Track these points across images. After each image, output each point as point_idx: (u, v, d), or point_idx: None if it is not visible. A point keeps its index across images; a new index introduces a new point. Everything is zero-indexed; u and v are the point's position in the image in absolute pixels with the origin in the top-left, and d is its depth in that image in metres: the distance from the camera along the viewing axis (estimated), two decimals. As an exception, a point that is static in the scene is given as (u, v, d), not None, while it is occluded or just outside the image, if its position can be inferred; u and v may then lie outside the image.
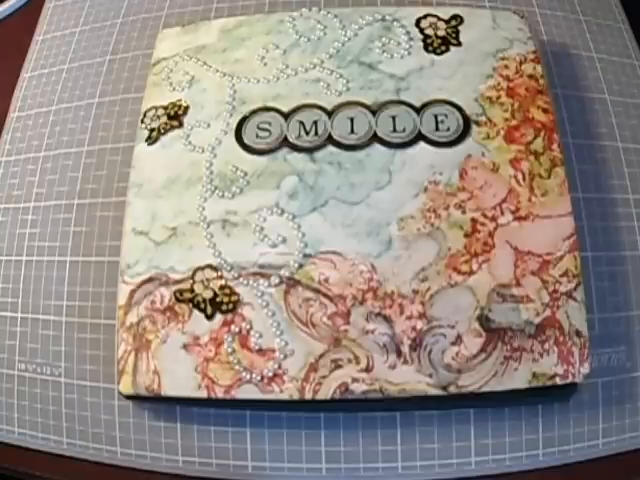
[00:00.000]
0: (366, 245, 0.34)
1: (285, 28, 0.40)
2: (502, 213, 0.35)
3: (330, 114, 0.38)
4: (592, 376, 0.34)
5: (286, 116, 0.38)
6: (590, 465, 0.35)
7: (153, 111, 0.39)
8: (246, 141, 0.37)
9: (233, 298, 0.34)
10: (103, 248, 0.39)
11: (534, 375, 0.32)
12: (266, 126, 0.38)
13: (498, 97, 0.37)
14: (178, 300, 0.34)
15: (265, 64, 0.39)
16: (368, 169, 0.36)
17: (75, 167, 0.42)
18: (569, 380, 0.33)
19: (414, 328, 0.33)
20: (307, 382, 0.33)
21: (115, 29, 0.46)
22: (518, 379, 0.32)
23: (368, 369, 0.33)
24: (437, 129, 0.37)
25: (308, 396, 0.33)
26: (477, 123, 0.37)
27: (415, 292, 0.34)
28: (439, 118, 0.37)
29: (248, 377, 0.33)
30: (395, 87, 0.38)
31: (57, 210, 0.41)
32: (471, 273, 0.34)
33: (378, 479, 0.35)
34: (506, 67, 0.38)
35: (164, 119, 0.39)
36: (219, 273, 0.35)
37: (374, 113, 0.37)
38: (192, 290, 0.34)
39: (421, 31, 0.40)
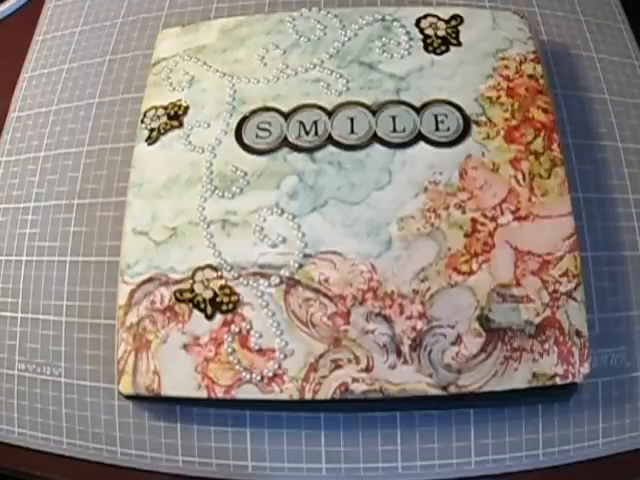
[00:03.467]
0: (366, 245, 0.34)
1: (285, 28, 0.40)
2: (502, 213, 0.35)
3: (330, 114, 0.38)
4: (592, 376, 0.34)
5: (286, 116, 0.38)
6: (590, 465, 0.35)
7: (153, 111, 0.39)
8: (246, 141, 0.37)
9: (233, 298, 0.34)
10: (103, 248, 0.39)
11: (534, 375, 0.32)
12: (266, 126, 0.37)
13: (498, 97, 0.37)
14: (178, 300, 0.34)
15: (265, 64, 0.39)
16: (368, 169, 0.36)
17: (75, 167, 0.42)
18: (569, 380, 0.33)
19: (414, 328, 0.33)
20: (307, 382, 0.33)
21: (115, 29, 0.46)
22: (518, 379, 0.32)
23: (368, 369, 0.33)
24: (437, 129, 0.37)
25: (308, 396, 0.33)
26: (477, 123, 0.37)
27: (415, 292, 0.34)
28: (439, 118, 0.37)
29: (248, 377, 0.33)
30: (395, 87, 0.38)
31: (57, 210, 0.41)
32: (471, 273, 0.34)
33: (378, 479, 0.35)
34: (506, 67, 0.38)
35: (164, 119, 0.39)
36: (219, 273, 0.35)
37: (374, 113, 0.37)
38: (192, 290, 0.34)
39: (421, 31, 0.40)
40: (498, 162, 0.36)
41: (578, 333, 0.33)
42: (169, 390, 0.33)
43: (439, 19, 0.40)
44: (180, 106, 0.39)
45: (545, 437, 0.35)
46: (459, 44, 0.39)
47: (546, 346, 0.33)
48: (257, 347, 0.33)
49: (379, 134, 0.37)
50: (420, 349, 0.33)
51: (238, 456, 0.36)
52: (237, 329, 0.34)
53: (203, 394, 0.33)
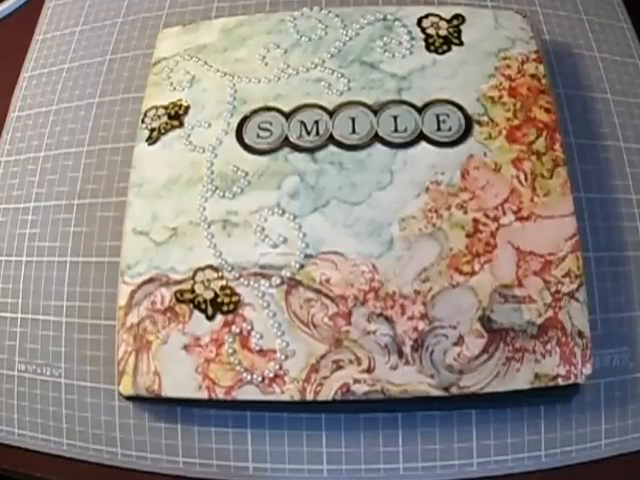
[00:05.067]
0: (367, 245, 0.34)
1: (286, 27, 0.40)
2: (504, 213, 0.35)
3: (331, 114, 0.37)
4: (594, 377, 0.34)
5: (287, 116, 0.38)
6: (593, 466, 0.35)
7: (153, 111, 0.39)
8: (247, 141, 0.37)
9: (234, 299, 0.34)
10: (103, 248, 0.39)
11: (536, 376, 0.32)
12: (267, 126, 0.37)
13: (500, 97, 0.37)
14: (179, 301, 0.34)
15: (266, 64, 0.39)
16: (369, 169, 0.36)
17: (75, 167, 0.42)
18: (571, 381, 0.33)
19: (416, 329, 0.33)
20: (308, 383, 0.33)
21: (115, 28, 0.46)
22: (520, 380, 0.32)
23: (369, 370, 0.33)
24: (439, 129, 0.37)
25: (309, 397, 0.33)
26: (479, 123, 0.37)
27: (417, 292, 0.33)
28: (441, 118, 0.37)
29: (249, 378, 0.33)
30: (397, 87, 0.38)
31: (57, 210, 0.41)
32: (473, 273, 0.34)
33: (379, 480, 0.35)
34: (508, 67, 0.38)
35: (165, 119, 0.39)
36: (220, 273, 0.34)
37: (375, 113, 0.37)
38: (193, 291, 0.34)
39: (423, 30, 0.40)
40: (500, 162, 0.36)
41: (580, 334, 0.33)
42: (170, 391, 0.33)
43: (441, 18, 0.40)
44: (181, 106, 0.39)
45: (547, 438, 0.35)
46: (461, 44, 0.39)
47: (548, 347, 0.33)
48: (258, 348, 0.33)
49: (380, 134, 0.37)
50: (422, 350, 0.33)
51: (239, 457, 0.35)
52: (238, 330, 0.34)
53: (204, 395, 0.33)
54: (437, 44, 0.39)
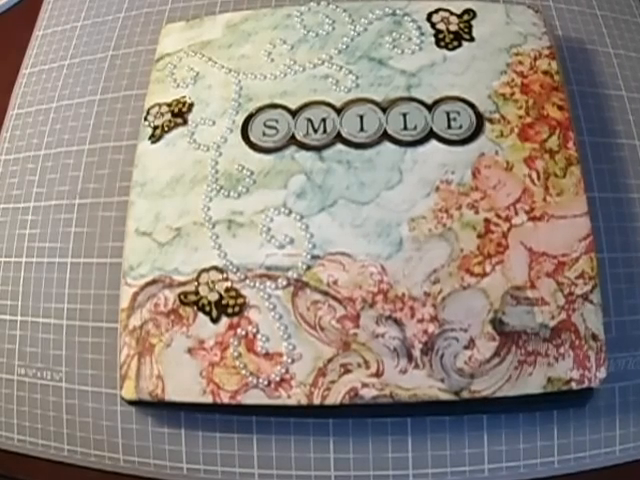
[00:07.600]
0: (376, 246, 0.34)
1: (292, 23, 0.40)
2: (516, 213, 0.34)
3: (339, 111, 0.37)
4: (608, 381, 0.33)
5: (294, 113, 0.37)
6: (607, 472, 0.35)
7: (157, 108, 0.39)
8: (252, 139, 0.37)
9: (239, 301, 0.34)
10: (105, 249, 0.39)
11: (549, 380, 0.32)
12: (273, 124, 0.37)
13: (512, 94, 0.37)
14: (182, 303, 0.34)
15: (272, 60, 0.39)
16: (378, 168, 0.35)
17: (76, 166, 0.42)
18: (585, 385, 0.32)
19: (425, 331, 0.33)
20: (315, 387, 0.32)
21: (117, 24, 0.46)
22: (532, 384, 0.32)
23: (378, 374, 0.32)
24: (449, 127, 0.36)
25: (316, 401, 0.32)
26: (490, 120, 0.36)
27: (427, 294, 0.33)
28: (451, 115, 0.36)
29: (254, 382, 0.33)
30: (406, 83, 0.37)
31: (58, 210, 0.41)
32: (484, 275, 0.33)
33: (388, 487, 0.35)
34: (520, 63, 0.38)
35: (168, 116, 0.38)
36: (225, 275, 0.34)
37: (384, 110, 0.37)
38: (197, 292, 0.34)
39: (433, 26, 0.39)
40: (512, 161, 0.35)
41: (594, 337, 0.33)
42: (173, 395, 0.33)
43: (451, 13, 0.39)
44: (184, 103, 0.38)
45: (560, 444, 0.35)
46: (472, 39, 0.39)
47: (561, 350, 0.32)
48: (264, 351, 0.33)
49: (389, 132, 0.36)
50: (432, 353, 0.32)
51: (244, 463, 0.35)
52: (243, 332, 0.33)
53: (208, 399, 0.33)
54: (447, 40, 0.39)
